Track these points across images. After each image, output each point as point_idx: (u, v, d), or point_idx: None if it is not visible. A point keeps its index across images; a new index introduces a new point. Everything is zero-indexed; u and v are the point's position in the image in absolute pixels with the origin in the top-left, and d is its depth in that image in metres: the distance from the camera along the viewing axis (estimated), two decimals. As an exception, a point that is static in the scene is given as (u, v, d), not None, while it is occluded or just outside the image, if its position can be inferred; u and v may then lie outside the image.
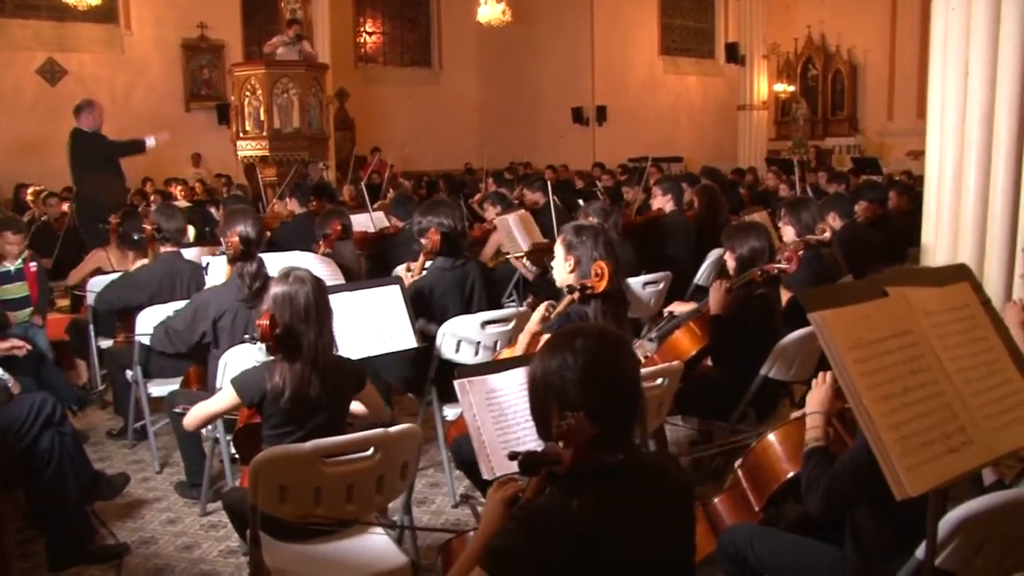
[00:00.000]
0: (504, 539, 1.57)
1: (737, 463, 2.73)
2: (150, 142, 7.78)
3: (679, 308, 4.26)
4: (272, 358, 2.66)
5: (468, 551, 1.72)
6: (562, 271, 3.20)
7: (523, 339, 3.06)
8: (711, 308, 3.62)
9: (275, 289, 2.66)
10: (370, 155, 15.51)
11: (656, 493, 1.67)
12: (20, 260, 5.10)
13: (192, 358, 3.88)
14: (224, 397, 2.72)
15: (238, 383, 2.68)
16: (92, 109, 7.44)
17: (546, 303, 3.11)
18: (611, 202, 7.46)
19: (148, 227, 4.52)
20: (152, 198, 8.65)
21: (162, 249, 4.51)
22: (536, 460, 1.60)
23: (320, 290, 2.70)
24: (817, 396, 2.35)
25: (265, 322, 2.57)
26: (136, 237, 4.84)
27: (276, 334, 2.58)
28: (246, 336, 2.98)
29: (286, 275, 2.70)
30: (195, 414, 2.82)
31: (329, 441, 2.38)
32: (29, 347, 3.91)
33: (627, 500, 1.61)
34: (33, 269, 5.13)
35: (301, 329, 2.61)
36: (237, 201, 6.59)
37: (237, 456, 3.08)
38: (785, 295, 3.87)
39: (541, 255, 5.61)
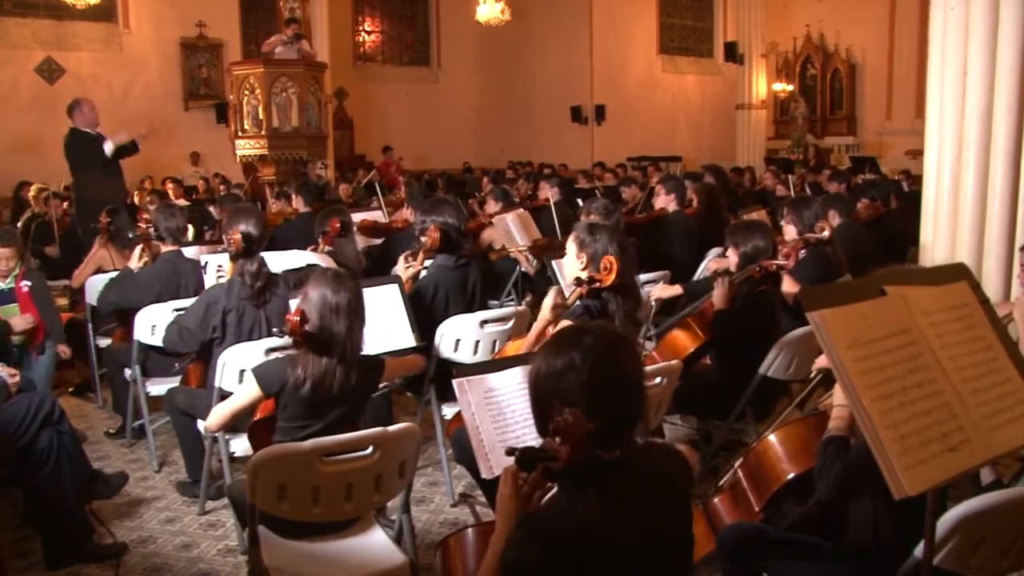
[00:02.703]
0: (518, 551, 1.56)
1: (737, 463, 2.73)
2: (108, 147, 7.64)
3: (665, 292, 4.32)
4: (295, 352, 2.71)
5: (487, 559, 1.69)
6: (575, 268, 3.19)
7: (536, 327, 3.06)
8: (715, 303, 3.62)
9: (315, 290, 2.71)
10: (382, 154, 15.66)
11: (653, 484, 1.67)
12: (11, 278, 4.46)
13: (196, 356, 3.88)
14: (246, 390, 2.75)
15: (259, 372, 2.73)
16: (81, 107, 7.44)
17: (556, 288, 3.09)
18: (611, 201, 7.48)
19: (143, 226, 4.50)
20: (148, 199, 8.64)
21: (163, 248, 4.50)
22: (533, 456, 1.60)
23: (357, 292, 2.76)
24: None
25: (296, 317, 2.63)
26: (131, 235, 4.80)
27: (305, 330, 2.64)
28: (275, 329, 3.01)
29: (324, 273, 2.78)
30: (217, 413, 2.82)
31: (328, 440, 2.38)
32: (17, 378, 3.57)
33: (629, 495, 1.61)
34: (25, 289, 4.45)
35: (331, 321, 2.67)
36: (234, 201, 6.58)
37: (251, 450, 3.05)
38: (793, 289, 3.87)
39: (541, 251, 5.61)
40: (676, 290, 4.61)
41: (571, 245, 3.21)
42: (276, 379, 2.69)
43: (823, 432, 2.31)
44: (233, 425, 3.01)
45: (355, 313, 2.72)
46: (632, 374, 1.69)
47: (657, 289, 4.53)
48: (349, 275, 2.81)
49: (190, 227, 6.71)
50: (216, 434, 3.45)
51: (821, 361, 2.82)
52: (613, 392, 1.63)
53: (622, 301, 3.05)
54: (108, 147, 7.45)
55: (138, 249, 4.60)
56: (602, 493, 1.57)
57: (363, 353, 2.84)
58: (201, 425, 3.64)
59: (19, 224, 7.90)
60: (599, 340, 1.66)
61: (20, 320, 4.37)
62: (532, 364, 1.73)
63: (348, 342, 2.69)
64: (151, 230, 4.48)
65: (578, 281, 3.03)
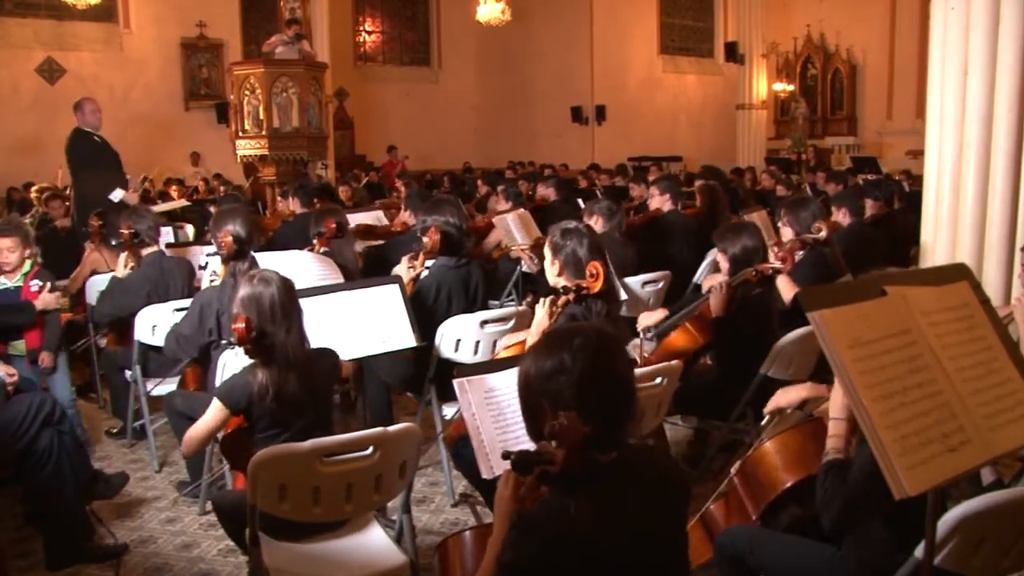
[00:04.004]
0: (512, 552, 1.56)
1: (733, 469, 2.71)
2: (117, 195, 7.38)
3: (651, 319, 3.98)
4: (252, 361, 2.63)
5: (486, 560, 1.69)
6: (551, 273, 3.20)
7: (532, 340, 3.05)
8: (712, 310, 3.62)
9: (241, 292, 2.65)
10: (387, 153, 15.68)
11: (647, 484, 1.67)
12: (20, 276, 4.14)
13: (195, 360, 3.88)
14: (212, 412, 2.65)
15: (222, 393, 2.66)
16: (83, 108, 7.46)
17: (549, 298, 3.06)
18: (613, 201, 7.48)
19: (124, 232, 4.48)
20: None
21: (144, 251, 4.50)
22: (529, 459, 1.59)
23: (286, 290, 2.67)
24: (842, 401, 2.15)
25: (240, 325, 2.55)
26: (113, 242, 4.79)
27: (252, 337, 2.57)
28: (222, 342, 2.93)
29: (251, 277, 2.69)
30: (189, 440, 2.71)
31: (328, 440, 2.38)
32: (15, 378, 3.57)
33: (621, 496, 1.61)
34: (35, 289, 4.12)
35: (270, 330, 2.60)
36: (231, 201, 6.56)
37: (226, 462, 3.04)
38: (790, 292, 3.87)
39: (543, 249, 5.61)
40: (661, 313, 4.37)
41: (547, 251, 3.22)
42: (241, 395, 2.60)
43: (818, 438, 2.29)
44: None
45: (286, 310, 2.62)
46: (622, 373, 1.68)
47: (643, 318, 4.29)
48: (276, 274, 2.70)
49: (190, 227, 6.72)
50: (217, 435, 3.45)
51: (776, 401, 2.71)
52: (604, 393, 1.63)
53: (603, 306, 3.05)
54: (116, 195, 7.28)
55: (123, 256, 4.56)
56: (593, 495, 1.56)
57: (311, 347, 2.75)
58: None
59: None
60: (589, 341, 1.65)
61: (52, 298, 4.14)
62: (521, 366, 1.71)
63: (288, 341, 2.60)
64: (131, 236, 4.45)
65: (565, 290, 3.02)
